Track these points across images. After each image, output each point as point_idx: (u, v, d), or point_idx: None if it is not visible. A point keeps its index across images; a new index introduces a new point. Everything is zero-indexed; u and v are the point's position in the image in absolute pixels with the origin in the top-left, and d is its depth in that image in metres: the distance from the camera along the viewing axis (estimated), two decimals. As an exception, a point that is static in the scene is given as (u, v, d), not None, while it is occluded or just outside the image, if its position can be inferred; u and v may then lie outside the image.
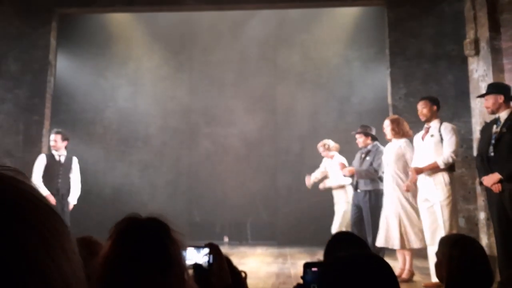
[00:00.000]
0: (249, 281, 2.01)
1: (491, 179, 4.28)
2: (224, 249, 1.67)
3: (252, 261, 6.90)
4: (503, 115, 4.43)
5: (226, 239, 10.78)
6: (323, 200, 9.27)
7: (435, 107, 5.08)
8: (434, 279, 4.39)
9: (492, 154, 4.42)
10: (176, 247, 1.34)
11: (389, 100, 7.83)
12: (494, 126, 4.48)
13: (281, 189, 10.10)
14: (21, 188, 0.47)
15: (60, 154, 6.43)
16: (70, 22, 9.41)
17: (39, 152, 7.70)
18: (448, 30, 7.70)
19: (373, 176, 5.65)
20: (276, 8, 9.03)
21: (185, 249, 1.44)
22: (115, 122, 10.33)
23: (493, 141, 4.43)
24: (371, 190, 5.64)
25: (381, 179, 5.63)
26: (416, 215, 5.16)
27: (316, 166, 7.06)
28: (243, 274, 1.95)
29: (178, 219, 9.50)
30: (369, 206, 5.60)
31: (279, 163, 10.21)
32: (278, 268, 6.12)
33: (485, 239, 5.51)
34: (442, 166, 4.82)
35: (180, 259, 1.34)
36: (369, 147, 5.88)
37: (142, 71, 10.42)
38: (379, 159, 5.65)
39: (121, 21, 9.99)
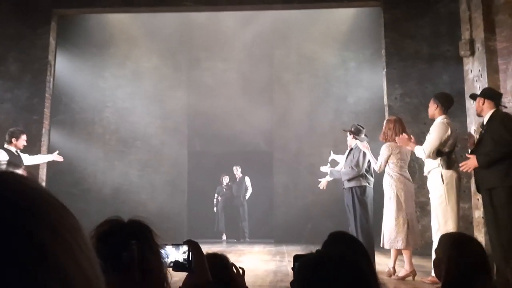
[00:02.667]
0: (246, 279, 2.06)
1: (470, 164, 4.50)
2: (222, 248, 1.66)
3: (250, 259, 6.95)
4: (485, 118, 4.63)
5: (224, 237, 10.84)
6: (320, 198, 9.36)
7: (435, 106, 5.14)
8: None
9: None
10: (155, 253, 1.33)
11: (385, 100, 7.89)
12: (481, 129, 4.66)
13: (278, 188, 10.17)
14: (33, 186, 0.45)
15: (18, 151, 6.74)
16: (69, 22, 9.44)
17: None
18: (444, 30, 7.77)
19: (352, 174, 5.74)
20: (273, 9, 9.07)
21: (165, 249, 1.43)
22: (114, 122, 10.38)
23: (475, 144, 4.65)
24: (353, 186, 5.74)
25: (362, 176, 5.72)
26: (399, 214, 5.24)
27: (312, 164, 7.09)
28: (241, 271, 2.00)
29: (177, 219, 9.60)
30: (352, 202, 5.69)
31: (276, 162, 10.28)
32: (275, 265, 6.17)
33: (480, 237, 5.58)
34: (415, 152, 5.05)
35: (159, 266, 1.32)
36: (352, 145, 5.99)
37: (141, 71, 10.46)
38: (356, 155, 5.75)
39: (120, 21, 10.04)
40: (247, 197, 11.06)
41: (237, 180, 11.26)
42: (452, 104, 5.27)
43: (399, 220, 5.23)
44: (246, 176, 11.14)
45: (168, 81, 10.47)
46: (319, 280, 1.19)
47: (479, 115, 4.77)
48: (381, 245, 5.45)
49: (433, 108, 5.16)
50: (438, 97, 5.25)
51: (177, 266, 1.54)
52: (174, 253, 1.56)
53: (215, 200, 11.32)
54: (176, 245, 1.57)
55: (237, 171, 11.25)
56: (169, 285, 1.35)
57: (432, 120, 5.28)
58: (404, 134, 5.23)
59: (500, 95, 4.83)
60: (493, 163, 4.34)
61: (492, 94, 4.70)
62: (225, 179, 11.46)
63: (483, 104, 4.62)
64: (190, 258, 1.55)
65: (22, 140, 6.70)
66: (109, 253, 1.25)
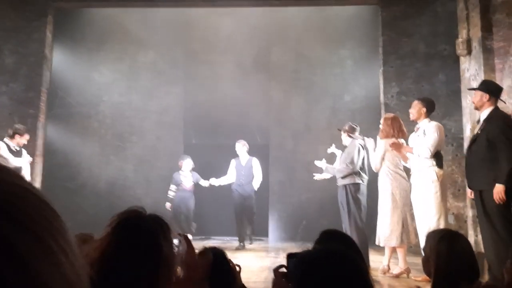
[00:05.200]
0: (242, 275, 2.07)
1: (498, 194, 4.15)
2: (217, 244, 1.69)
3: (245, 255, 6.96)
4: (483, 115, 4.49)
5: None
6: (315, 196, 9.38)
7: (424, 109, 5.21)
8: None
9: (468, 154, 4.54)
10: (170, 248, 1.37)
11: (381, 99, 7.91)
12: (477, 127, 4.60)
13: (274, 185, 10.17)
14: (8, 179, 0.40)
15: (17, 147, 6.75)
16: (66, 16, 9.40)
17: (34, 146, 7.74)
18: (441, 29, 7.78)
19: (346, 171, 5.75)
20: (271, 6, 9.07)
21: (181, 251, 1.48)
22: (110, 117, 10.34)
23: (470, 142, 4.58)
24: (347, 184, 5.76)
25: (356, 173, 5.74)
26: (394, 212, 5.27)
27: (308, 162, 7.10)
28: (237, 268, 2.00)
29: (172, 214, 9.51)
30: (346, 200, 5.71)
31: (272, 159, 10.28)
32: (270, 262, 6.18)
33: (473, 236, 5.61)
34: (414, 154, 5.03)
35: (172, 261, 1.36)
36: (346, 143, 6.02)
37: (137, 66, 10.43)
38: (351, 153, 5.77)
39: (116, 16, 9.97)
40: (256, 188, 8.33)
41: (244, 164, 8.39)
42: (434, 110, 5.36)
43: (394, 218, 5.25)
44: (254, 158, 8.44)
45: (164, 76, 10.44)
46: (317, 275, 1.21)
47: (477, 109, 4.62)
48: (376, 243, 5.47)
49: (420, 111, 5.23)
50: (426, 101, 5.33)
51: None
52: None
53: (170, 192, 8.67)
54: None
55: (243, 149, 8.42)
56: (178, 279, 1.41)
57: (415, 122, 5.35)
58: (395, 139, 5.28)
59: (501, 90, 4.70)
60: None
61: (497, 91, 4.56)
62: (187, 164, 8.72)
63: (487, 100, 4.46)
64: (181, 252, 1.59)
65: (24, 139, 6.83)
66: (127, 241, 1.31)
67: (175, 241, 1.60)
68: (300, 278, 1.25)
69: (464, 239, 2.31)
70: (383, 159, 5.43)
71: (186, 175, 8.65)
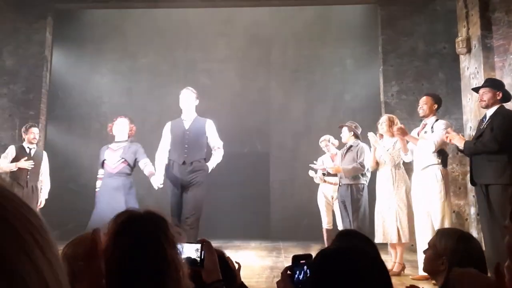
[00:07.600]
0: (243, 274, 2.07)
1: (453, 137, 4.59)
2: (218, 243, 1.71)
3: (246, 254, 6.97)
4: (489, 112, 4.53)
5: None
6: (316, 195, 9.37)
7: (435, 106, 5.18)
8: (422, 272, 4.41)
9: None
10: (172, 244, 1.34)
11: (381, 97, 7.92)
12: (482, 124, 4.60)
13: (275, 184, 10.18)
14: None
15: (32, 147, 6.64)
16: (66, 17, 9.40)
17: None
18: (440, 28, 7.79)
19: (360, 171, 5.75)
20: (270, 5, 9.08)
21: (181, 245, 1.46)
22: (111, 118, 10.33)
23: (475, 138, 4.58)
24: (352, 184, 5.76)
25: (363, 174, 5.76)
26: (408, 210, 5.26)
27: (309, 161, 7.13)
28: (237, 265, 2.01)
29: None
30: (350, 199, 5.71)
31: (273, 159, 10.29)
32: (272, 261, 6.19)
33: (475, 234, 5.62)
34: (417, 146, 5.00)
35: (176, 257, 1.34)
36: (350, 142, 5.99)
37: (138, 67, 10.44)
38: (362, 153, 5.76)
39: (116, 17, 10.00)
40: (210, 168, 5.25)
41: (187, 127, 5.29)
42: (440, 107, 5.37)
43: (410, 215, 5.23)
44: (209, 120, 5.46)
45: (165, 77, 10.45)
46: (340, 272, 1.21)
47: (486, 107, 4.61)
48: (389, 241, 5.38)
49: (432, 107, 5.17)
50: (436, 97, 5.29)
51: (189, 262, 1.59)
52: (187, 250, 1.63)
53: (97, 182, 5.82)
54: (189, 243, 1.65)
55: (191, 101, 5.38)
56: (184, 274, 1.37)
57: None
58: (401, 125, 5.29)
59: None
60: (474, 155, 4.44)
61: (505, 88, 4.65)
62: (119, 128, 5.77)
63: (500, 98, 4.52)
64: (202, 256, 1.63)
65: (30, 133, 6.66)
66: (128, 246, 1.29)
67: (197, 246, 1.62)
68: (320, 274, 1.26)
69: (476, 240, 2.34)
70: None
71: (115, 147, 5.44)
